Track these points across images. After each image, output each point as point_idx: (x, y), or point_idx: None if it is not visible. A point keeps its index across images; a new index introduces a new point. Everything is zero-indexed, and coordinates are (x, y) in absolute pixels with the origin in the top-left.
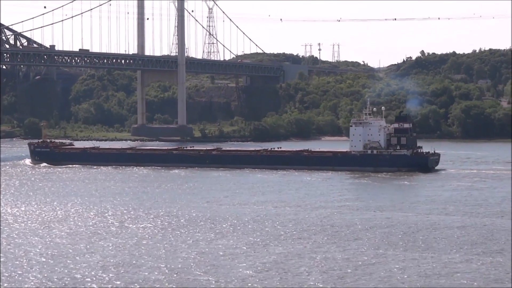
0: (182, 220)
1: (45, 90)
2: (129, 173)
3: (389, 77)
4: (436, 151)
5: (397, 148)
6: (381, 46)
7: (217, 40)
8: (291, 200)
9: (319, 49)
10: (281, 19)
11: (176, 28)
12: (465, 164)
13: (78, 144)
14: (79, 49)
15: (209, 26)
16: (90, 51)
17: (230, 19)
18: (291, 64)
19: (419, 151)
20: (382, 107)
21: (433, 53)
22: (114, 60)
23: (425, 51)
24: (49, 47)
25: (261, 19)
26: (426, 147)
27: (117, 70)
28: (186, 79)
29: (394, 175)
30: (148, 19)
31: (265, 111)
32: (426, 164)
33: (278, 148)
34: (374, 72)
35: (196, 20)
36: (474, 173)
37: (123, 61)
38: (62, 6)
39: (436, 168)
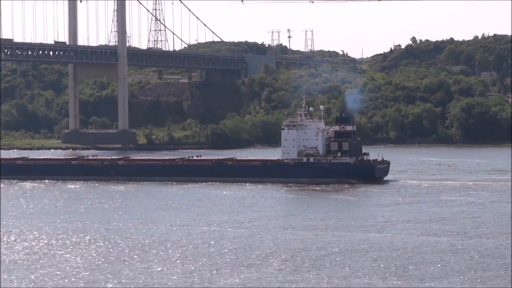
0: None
1: None
2: (13, 188)
3: (374, 69)
4: (384, 159)
5: (338, 155)
6: (363, 33)
7: (165, 26)
8: (196, 218)
9: (289, 37)
10: (242, 1)
11: (116, 12)
12: (427, 174)
13: None
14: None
15: (156, 9)
16: (13, 40)
17: (181, 1)
18: (255, 55)
19: (364, 158)
20: (321, 106)
21: (427, 40)
22: (40, 52)
23: (417, 38)
24: None
25: (219, 1)
26: (373, 153)
27: (44, 63)
28: (128, 73)
29: (334, 188)
30: (81, 1)
31: (224, 112)
32: (373, 174)
33: (197, 156)
34: (356, 64)
35: (140, 3)
36: (432, 185)
37: (51, 53)
38: None
39: (386, 178)
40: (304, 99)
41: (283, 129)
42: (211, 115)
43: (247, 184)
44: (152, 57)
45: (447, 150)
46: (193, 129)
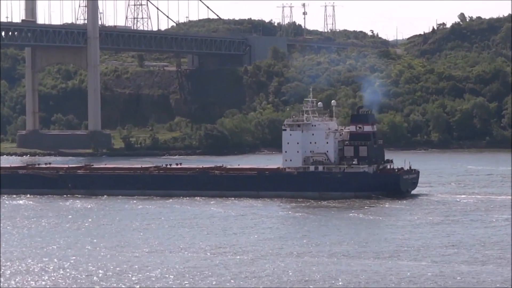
0: None
1: None
2: None
3: (411, 54)
4: (413, 168)
5: (354, 162)
6: (398, 9)
7: (147, 0)
8: (181, 243)
9: (304, 13)
10: None
11: None
12: (475, 186)
13: None
14: None
15: None
16: None
17: None
18: (261, 36)
19: (387, 166)
20: (333, 101)
21: (478, 18)
22: None
23: (466, 15)
24: None
25: None
26: (399, 160)
27: None
28: (101, 59)
29: (350, 204)
30: None
31: (222, 109)
32: (398, 186)
33: (177, 164)
34: (389, 48)
35: None
36: (480, 200)
37: (3, 33)
38: None
39: (414, 192)
40: (311, 91)
41: (285, 129)
42: (205, 112)
43: (242, 198)
44: (131, 39)
45: (503, 156)
46: (183, 130)
